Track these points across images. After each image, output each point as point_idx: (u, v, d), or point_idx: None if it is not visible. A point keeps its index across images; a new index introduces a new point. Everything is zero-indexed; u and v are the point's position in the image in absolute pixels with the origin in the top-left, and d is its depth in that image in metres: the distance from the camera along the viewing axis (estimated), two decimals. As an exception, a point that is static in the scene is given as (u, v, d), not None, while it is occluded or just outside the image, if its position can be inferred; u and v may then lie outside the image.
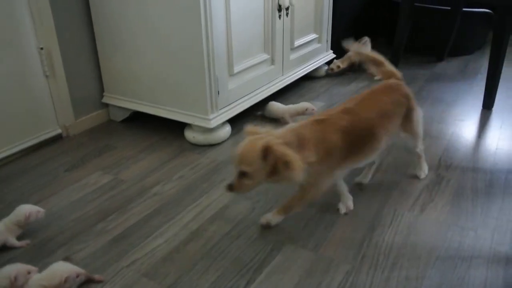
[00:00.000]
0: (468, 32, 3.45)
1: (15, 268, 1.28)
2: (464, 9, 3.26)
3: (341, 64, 2.79)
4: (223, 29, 2.04)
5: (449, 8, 3.28)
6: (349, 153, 1.49)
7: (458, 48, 3.49)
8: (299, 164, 1.30)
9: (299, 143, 1.37)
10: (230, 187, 1.39)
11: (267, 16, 2.34)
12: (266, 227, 1.57)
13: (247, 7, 2.17)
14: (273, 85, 2.50)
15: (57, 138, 2.26)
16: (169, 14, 1.99)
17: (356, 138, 1.49)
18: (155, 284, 1.34)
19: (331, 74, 3.11)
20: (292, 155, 1.30)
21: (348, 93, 2.82)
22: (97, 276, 1.37)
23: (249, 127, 1.44)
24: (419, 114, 1.75)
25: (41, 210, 1.57)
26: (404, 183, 1.84)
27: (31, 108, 2.13)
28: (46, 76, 2.17)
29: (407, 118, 1.70)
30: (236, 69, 2.18)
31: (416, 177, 1.87)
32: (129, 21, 2.13)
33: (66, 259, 1.41)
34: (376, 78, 3.07)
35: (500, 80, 2.55)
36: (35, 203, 1.73)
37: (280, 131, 1.42)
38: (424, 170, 1.89)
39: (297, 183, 1.39)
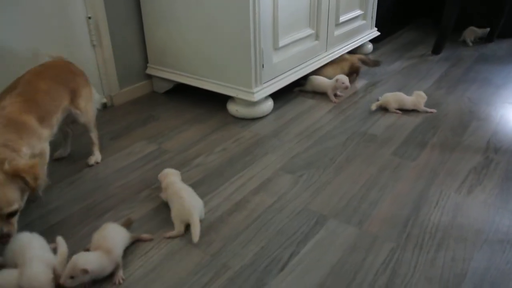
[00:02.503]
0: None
1: (37, 282, 1.16)
2: (518, -13, 3.12)
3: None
4: (270, 2, 2.01)
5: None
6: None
7: (508, 29, 3.34)
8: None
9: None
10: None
11: (313, -10, 2.29)
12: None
13: (294, -20, 2.14)
14: (316, 60, 2.47)
15: (102, 107, 2.30)
16: (216, -15, 1.98)
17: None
18: (200, 251, 1.36)
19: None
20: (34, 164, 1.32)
21: (390, 71, 2.76)
22: (145, 236, 1.41)
23: None
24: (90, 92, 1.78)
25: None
26: (451, 164, 1.80)
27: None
28: (93, 46, 2.20)
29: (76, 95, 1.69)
30: (281, 43, 2.15)
31: (463, 158, 1.82)
32: (175, -8, 2.13)
33: (127, 221, 1.46)
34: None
35: (555, 62, 2.44)
36: (82, 169, 1.79)
37: None
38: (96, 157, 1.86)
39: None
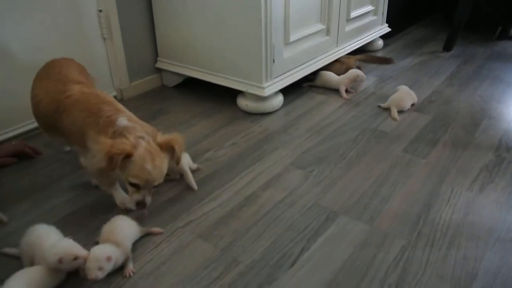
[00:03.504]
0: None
1: (63, 250, 1.18)
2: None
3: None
4: (282, -4, 2.01)
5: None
6: None
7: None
8: None
9: None
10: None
11: (325, -16, 2.28)
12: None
13: (306, -25, 2.13)
14: (327, 56, 2.46)
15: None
16: (228, -21, 1.97)
17: None
18: (210, 245, 1.36)
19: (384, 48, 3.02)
20: None
21: (401, 68, 2.74)
22: (156, 229, 1.42)
23: None
24: None
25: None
26: (462, 161, 1.78)
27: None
28: (104, 39, 2.20)
29: None
30: (292, 38, 2.14)
31: (474, 156, 1.81)
32: (187, -14, 2.13)
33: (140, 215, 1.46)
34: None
35: None
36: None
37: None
38: None
39: None
